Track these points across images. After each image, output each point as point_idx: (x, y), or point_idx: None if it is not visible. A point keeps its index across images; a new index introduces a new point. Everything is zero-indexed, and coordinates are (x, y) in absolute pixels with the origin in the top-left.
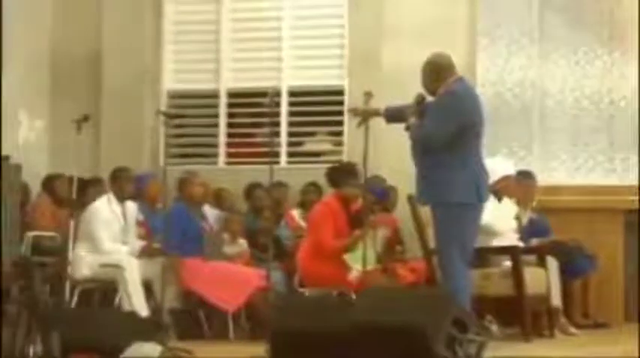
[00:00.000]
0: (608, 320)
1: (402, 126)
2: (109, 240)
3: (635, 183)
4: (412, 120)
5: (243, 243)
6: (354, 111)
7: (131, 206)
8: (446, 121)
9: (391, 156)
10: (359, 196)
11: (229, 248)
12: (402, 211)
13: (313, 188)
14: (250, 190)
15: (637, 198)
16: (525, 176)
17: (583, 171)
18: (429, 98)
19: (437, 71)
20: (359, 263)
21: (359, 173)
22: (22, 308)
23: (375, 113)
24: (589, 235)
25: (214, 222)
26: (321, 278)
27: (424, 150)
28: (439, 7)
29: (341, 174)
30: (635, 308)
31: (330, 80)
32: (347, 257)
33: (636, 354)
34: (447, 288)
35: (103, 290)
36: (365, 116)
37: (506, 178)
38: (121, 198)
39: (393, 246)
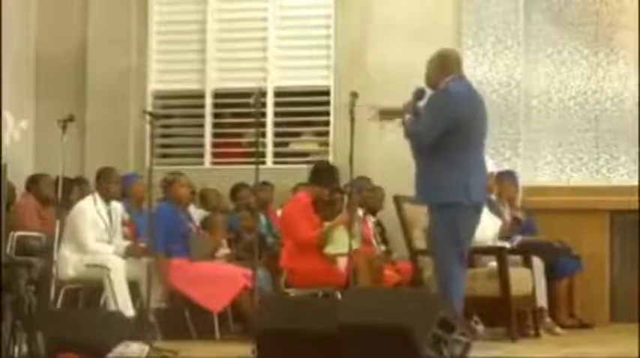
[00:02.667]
0: (594, 320)
1: (388, 126)
2: (95, 240)
3: (621, 183)
4: (407, 116)
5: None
6: (376, 110)
7: (117, 206)
8: (435, 120)
9: (377, 157)
10: (327, 196)
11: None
12: (388, 211)
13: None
14: (236, 190)
15: (622, 198)
16: (508, 176)
17: (568, 171)
18: (430, 93)
19: (441, 65)
20: (343, 248)
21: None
22: (7, 309)
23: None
24: (574, 235)
25: (200, 223)
26: (307, 275)
27: (416, 149)
28: (425, 8)
29: (326, 175)
30: (622, 308)
31: (316, 80)
32: (330, 248)
33: (622, 355)
34: (443, 289)
35: (89, 290)
36: (389, 116)
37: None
38: (107, 199)
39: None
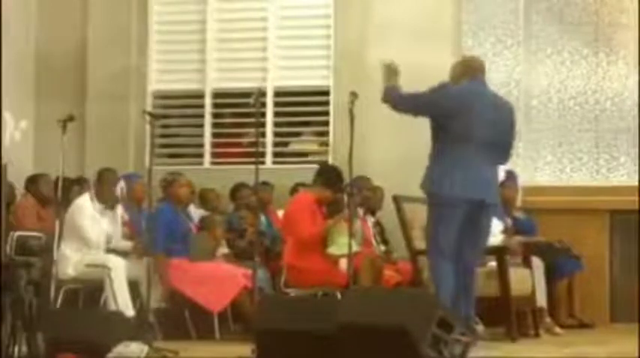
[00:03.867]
0: (594, 320)
1: (388, 126)
2: (97, 234)
3: (621, 183)
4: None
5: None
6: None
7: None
8: (416, 95)
9: (377, 156)
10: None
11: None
12: (388, 211)
13: (303, 188)
14: (236, 190)
15: (622, 198)
16: (508, 176)
17: (568, 171)
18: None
19: (461, 69)
20: (344, 249)
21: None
22: (7, 309)
23: None
24: (574, 235)
25: (198, 222)
26: (308, 274)
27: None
28: (425, 8)
29: (333, 176)
30: (622, 308)
31: (315, 80)
32: (333, 249)
33: (622, 355)
34: (432, 285)
35: (89, 290)
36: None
37: None
38: (104, 202)
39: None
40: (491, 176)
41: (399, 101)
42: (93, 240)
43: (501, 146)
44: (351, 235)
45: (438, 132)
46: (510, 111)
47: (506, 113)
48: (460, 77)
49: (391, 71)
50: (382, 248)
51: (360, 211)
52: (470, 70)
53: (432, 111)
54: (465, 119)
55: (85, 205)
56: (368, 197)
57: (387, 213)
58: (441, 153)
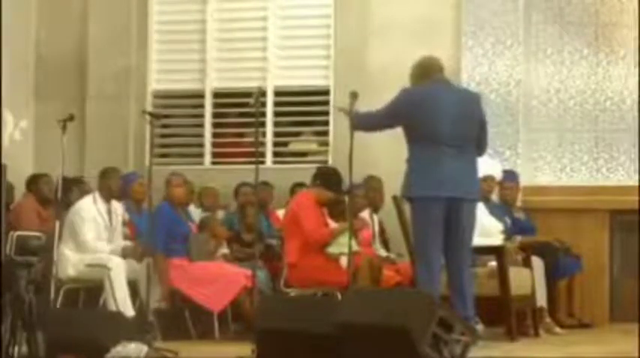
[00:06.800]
0: (593, 320)
1: None
2: (94, 238)
3: (621, 183)
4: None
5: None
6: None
7: (117, 206)
8: (381, 110)
9: (377, 156)
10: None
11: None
12: (388, 211)
13: (300, 189)
14: (238, 188)
15: (622, 198)
16: (508, 176)
17: (568, 171)
18: None
19: (419, 72)
20: (342, 248)
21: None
22: (7, 308)
23: None
24: (574, 235)
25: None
26: (311, 273)
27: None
28: (425, 8)
29: (332, 178)
30: (621, 308)
31: (315, 80)
32: (332, 248)
33: (622, 354)
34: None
35: (89, 290)
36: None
37: (485, 179)
38: (108, 198)
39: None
40: (466, 171)
41: (369, 122)
42: (89, 245)
43: (472, 139)
44: (351, 235)
45: (409, 137)
46: (477, 103)
47: (472, 106)
48: (418, 79)
49: (345, 110)
50: (382, 248)
51: (366, 212)
52: (426, 70)
53: (399, 119)
54: (428, 120)
55: (85, 207)
56: (372, 197)
57: (388, 213)
58: (413, 157)
